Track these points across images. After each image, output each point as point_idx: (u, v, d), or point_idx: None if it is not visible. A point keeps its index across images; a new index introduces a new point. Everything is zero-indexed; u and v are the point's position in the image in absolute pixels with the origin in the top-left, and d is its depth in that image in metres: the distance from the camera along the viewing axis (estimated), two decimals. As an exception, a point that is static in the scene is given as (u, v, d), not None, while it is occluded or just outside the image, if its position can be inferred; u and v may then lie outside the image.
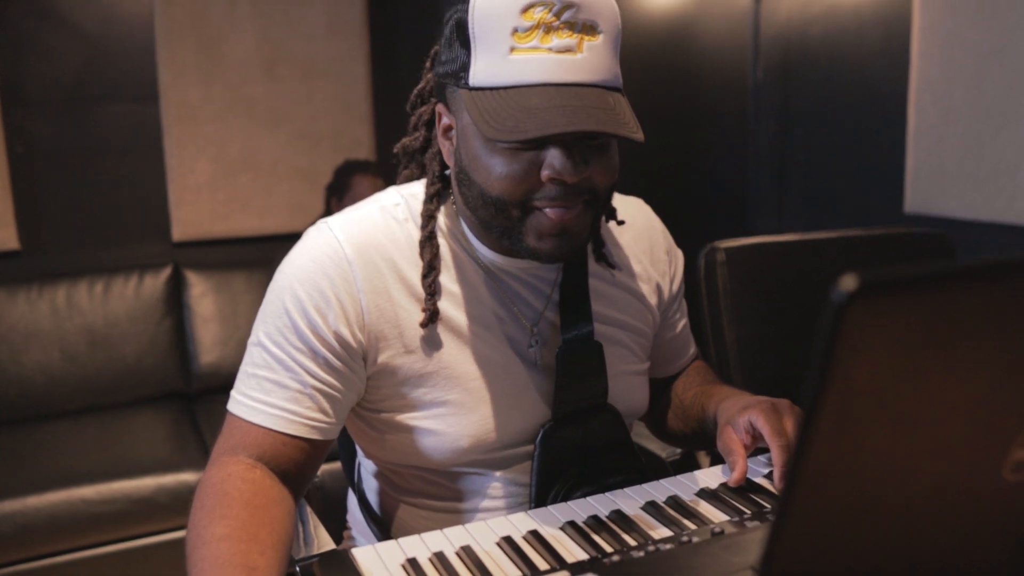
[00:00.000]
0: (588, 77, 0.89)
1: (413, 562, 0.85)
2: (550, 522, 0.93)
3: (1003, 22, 2.08)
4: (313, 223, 1.04)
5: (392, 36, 3.40)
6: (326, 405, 0.97)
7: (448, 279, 1.01)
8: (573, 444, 1.05)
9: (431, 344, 0.99)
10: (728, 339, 1.39)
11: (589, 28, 0.89)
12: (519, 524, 0.93)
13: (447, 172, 1.04)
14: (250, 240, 3.24)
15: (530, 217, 0.92)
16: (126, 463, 2.41)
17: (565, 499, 1.01)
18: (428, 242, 1.00)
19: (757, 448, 1.01)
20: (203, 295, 3.02)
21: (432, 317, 0.98)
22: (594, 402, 1.06)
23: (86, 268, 2.93)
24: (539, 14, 0.87)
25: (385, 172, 2.90)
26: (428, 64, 1.05)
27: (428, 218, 1.00)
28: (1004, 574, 0.50)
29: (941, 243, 1.56)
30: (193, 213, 3.14)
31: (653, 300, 1.15)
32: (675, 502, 0.95)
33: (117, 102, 3.02)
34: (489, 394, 1.01)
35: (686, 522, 0.91)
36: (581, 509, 0.96)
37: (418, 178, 1.09)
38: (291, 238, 1.05)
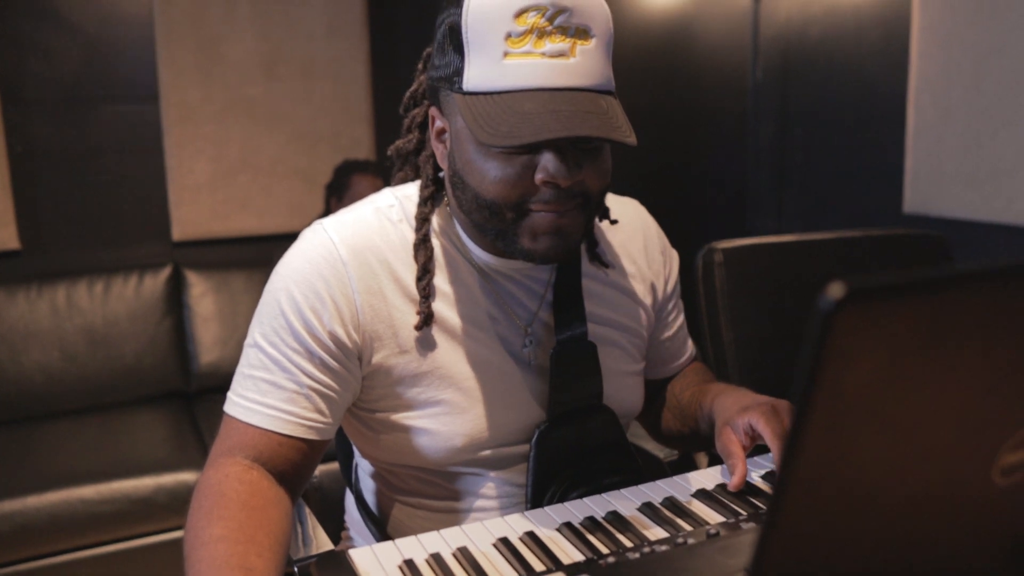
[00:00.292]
0: (581, 81, 0.89)
1: (410, 563, 0.86)
2: (546, 523, 0.93)
3: (1002, 22, 2.08)
4: (312, 223, 1.04)
5: (392, 36, 3.40)
6: (322, 405, 0.97)
7: (442, 280, 1.02)
8: (569, 445, 1.05)
9: (425, 344, 1.00)
10: (726, 340, 1.39)
11: (582, 32, 0.89)
12: (515, 525, 0.93)
13: (441, 174, 1.04)
14: (250, 240, 3.24)
15: (524, 219, 0.93)
16: (125, 463, 2.41)
17: (561, 500, 1.02)
18: (423, 245, 1.00)
19: (756, 446, 1.01)
20: (203, 295, 3.02)
21: (427, 320, 0.98)
22: (589, 403, 1.06)
23: (86, 268, 2.94)
24: (532, 19, 0.87)
25: (384, 172, 2.90)
26: (421, 66, 1.06)
27: (422, 221, 1.01)
28: (997, 577, 0.50)
29: (939, 244, 1.56)
30: (193, 213, 3.14)
31: (648, 300, 1.15)
32: (671, 503, 0.96)
33: (117, 102, 3.02)
34: (483, 394, 1.01)
35: (682, 523, 0.91)
36: (577, 510, 0.96)
37: (412, 180, 1.09)
38: (290, 238, 1.06)
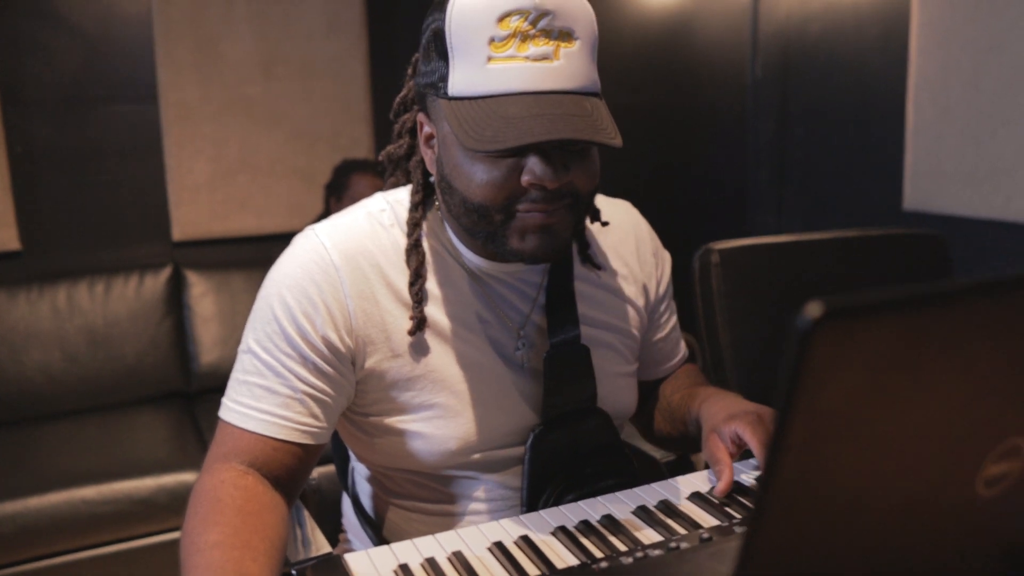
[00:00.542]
0: (565, 84, 0.89)
1: (405, 568, 0.86)
2: (541, 527, 0.93)
3: (1001, 19, 2.07)
4: (312, 222, 1.04)
5: (391, 35, 3.40)
6: (316, 410, 0.97)
7: (434, 283, 1.02)
8: (563, 448, 1.05)
9: (418, 348, 1.00)
10: (723, 341, 1.39)
11: (565, 35, 0.89)
12: (510, 529, 0.93)
13: (431, 179, 1.04)
14: (249, 240, 3.24)
15: (512, 220, 0.93)
16: (126, 463, 2.41)
17: (556, 503, 1.02)
18: (414, 249, 1.00)
19: (745, 452, 1.02)
20: (203, 295, 3.02)
21: (420, 325, 0.99)
22: (583, 406, 1.06)
23: (86, 268, 2.94)
24: (515, 23, 0.87)
25: (384, 172, 2.90)
26: (410, 72, 1.06)
27: (414, 226, 1.01)
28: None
29: (937, 244, 1.56)
30: (192, 213, 3.14)
31: (640, 301, 1.15)
32: (666, 506, 0.96)
33: (116, 102, 3.02)
34: (476, 397, 1.01)
35: (676, 527, 0.91)
36: (572, 514, 0.96)
37: (404, 185, 1.09)
38: (290, 237, 1.06)
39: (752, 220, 3.06)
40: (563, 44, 0.89)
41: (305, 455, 0.98)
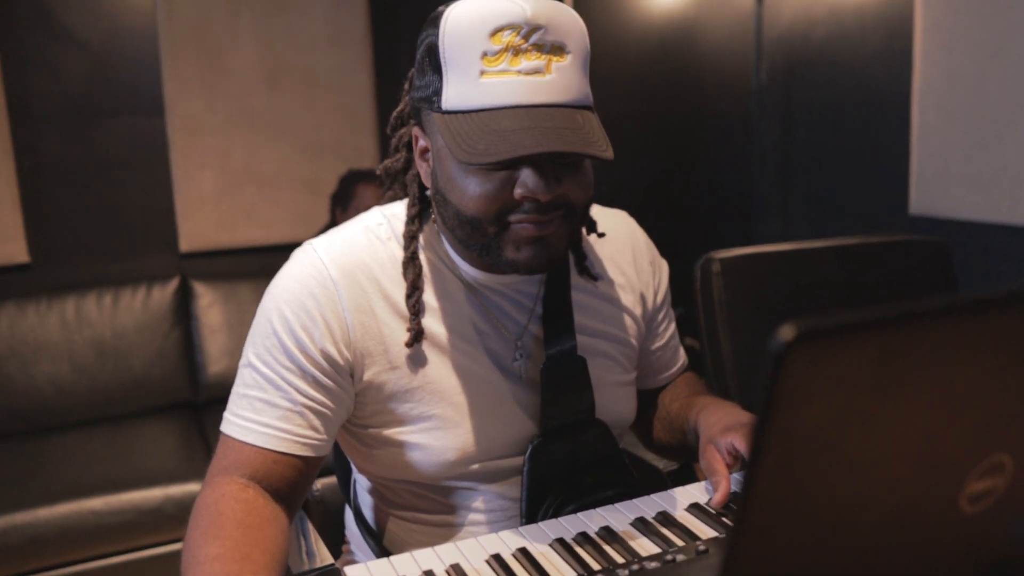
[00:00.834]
0: (557, 98, 0.90)
1: (402, 581, 0.86)
2: (539, 539, 0.93)
3: (1004, 22, 2.07)
4: (318, 231, 1.05)
5: (395, 45, 3.41)
6: (316, 422, 0.98)
7: (431, 296, 1.02)
8: (562, 459, 1.05)
9: (416, 360, 1.00)
10: (724, 350, 1.39)
11: (557, 49, 0.90)
12: (508, 541, 0.93)
13: (427, 193, 1.05)
14: (256, 250, 3.26)
15: (506, 232, 0.93)
16: (134, 474, 2.43)
17: (556, 514, 1.02)
18: (411, 262, 1.01)
19: (743, 463, 1.01)
20: (210, 306, 3.04)
21: (417, 337, 0.99)
22: (581, 416, 1.06)
23: (95, 280, 2.96)
24: (507, 37, 0.88)
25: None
26: (406, 87, 1.07)
27: (410, 239, 1.02)
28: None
29: (939, 250, 1.55)
30: (199, 224, 3.16)
31: (637, 311, 1.15)
32: (664, 517, 0.96)
33: (123, 115, 3.05)
34: (474, 408, 1.02)
35: (674, 538, 0.91)
36: (570, 525, 0.96)
37: (402, 198, 1.10)
38: (296, 247, 1.07)
39: (757, 225, 3.06)
40: (555, 58, 0.90)
41: (305, 467, 0.99)
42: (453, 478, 1.04)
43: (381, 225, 1.05)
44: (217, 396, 2.97)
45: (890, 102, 2.46)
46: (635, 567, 0.83)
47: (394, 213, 1.06)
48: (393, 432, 1.02)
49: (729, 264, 1.40)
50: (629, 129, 3.11)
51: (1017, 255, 2.13)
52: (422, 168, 1.01)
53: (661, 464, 1.34)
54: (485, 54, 0.88)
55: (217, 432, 1.02)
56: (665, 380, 1.26)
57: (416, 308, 0.99)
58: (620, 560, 0.87)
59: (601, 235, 1.14)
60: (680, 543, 0.89)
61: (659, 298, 1.19)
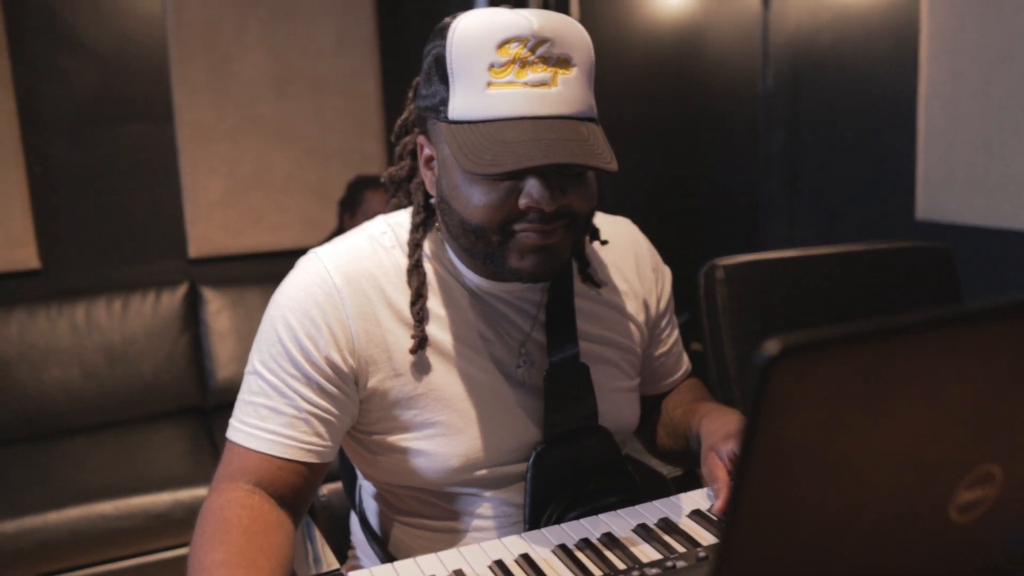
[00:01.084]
0: (562, 110, 0.91)
1: (405, 587, 0.87)
2: (542, 545, 0.94)
3: (1010, 27, 2.07)
4: (326, 237, 1.06)
5: (402, 52, 3.43)
6: (321, 429, 0.99)
7: (435, 303, 1.03)
8: (565, 465, 1.06)
9: (420, 367, 1.01)
10: (728, 357, 1.39)
11: (563, 62, 0.91)
12: (511, 547, 0.94)
13: (431, 201, 1.06)
14: (264, 256, 3.28)
15: (510, 240, 0.94)
16: (143, 478, 2.45)
17: (559, 520, 1.03)
18: (415, 270, 1.02)
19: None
20: (219, 311, 3.06)
21: (421, 344, 1.00)
22: (584, 423, 1.07)
23: (104, 286, 2.98)
24: (514, 50, 0.89)
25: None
26: (411, 95, 1.08)
27: (415, 247, 1.03)
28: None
29: (943, 256, 1.55)
30: (208, 230, 3.18)
31: (640, 317, 1.16)
32: (666, 524, 0.96)
33: (132, 123, 3.07)
34: (478, 414, 1.03)
35: (675, 545, 0.91)
36: (573, 532, 0.97)
37: (406, 206, 1.11)
38: (304, 253, 1.08)
39: (764, 231, 3.06)
40: (561, 71, 0.91)
41: (310, 474, 1.00)
42: (457, 484, 1.04)
43: (385, 233, 1.06)
44: (226, 401, 2.99)
45: (896, 107, 2.46)
46: (635, 573, 0.84)
47: (398, 221, 1.07)
48: (397, 439, 1.03)
49: (733, 271, 1.40)
50: (636, 134, 3.11)
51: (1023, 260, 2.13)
52: (427, 176, 1.02)
53: (665, 470, 1.35)
54: (492, 66, 0.89)
55: (224, 437, 1.03)
56: (668, 386, 1.26)
57: (420, 315, 1.00)
58: (622, 566, 0.87)
59: (604, 242, 1.14)
60: (681, 549, 0.90)
61: (662, 305, 1.20)
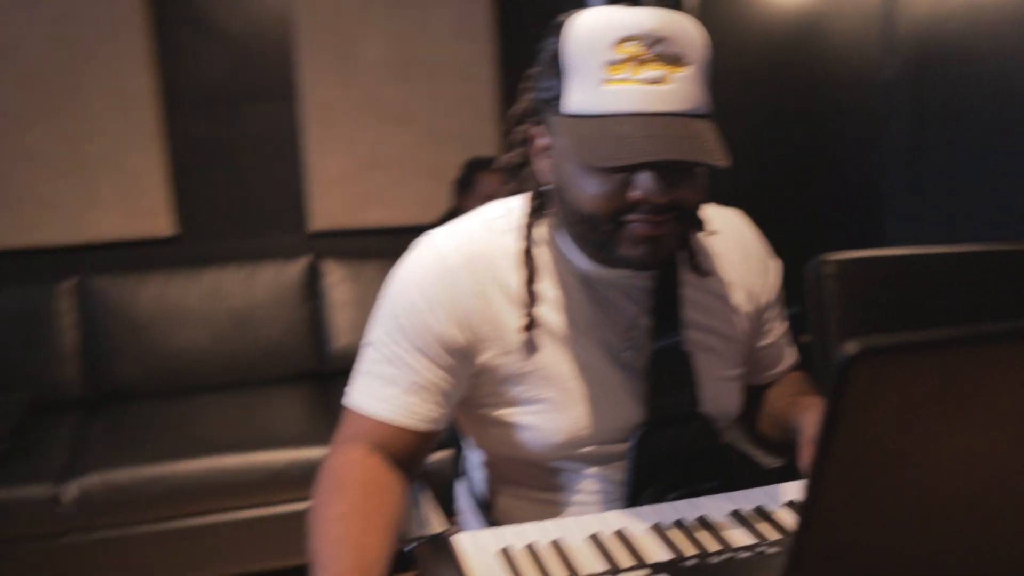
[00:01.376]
0: (676, 106, 0.94)
1: (507, 551, 0.93)
2: (638, 522, 0.98)
3: None
4: (440, 216, 1.13)
5: (520, 39, 3.48)
6: (435, 399, 1.06)
7: (546, 286, 1.08)
8: (666, 448, 1.10)
9: (529, 346, 1.07)
10: (833, 352, 1.38)
11: (678, 59, 0.94)
12: (609, 522, 0.99)
13: (545, 188, 1.10)
14: (382, 231, 3.42)
15: (621, 230, 0.98)
16: (264, 437, 2.61)
17: (657, 501, 1.07)
18: (528, 254, 1.07)
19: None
20: (338, 283, 3.21)
21: (531, 324, 1.05)
22: (686, 408, 1.10)
23: (234, 255, 3.19)
24: (631, 48, 0.92)
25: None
26: (526, 85, 1.12)
27: (528, 231, 1.08)
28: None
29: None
30: (329, 206, 3.34)
31: (746, 308, 1.18)
32: (760, 512, 0.99)
33: (261, 102, 3.26)
34: (584, 394, 1.07)
35: (768, 532, 0.94)
36: (669, 512, 1.00)
37: (520, 192, 1.16)
38: (420, 230, 1.16)
39: (887, 227, 2.96)
40: (676, 69, 0.94)
41: (423, 441, 1.07)
42: (561, 458, 1.10)
43: (500, 218, 1.11)
44: (342, 368, 3.12)
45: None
46: (726, 555, 0.87)
47: (513, 207, 1.13)
48: (505, 412, 1.09)
49: (844, 267, 1.39)
50: (752, 127, 3.06)
51: None
52: (541, 165, 1.07)
53: (766, 461, 1.36)
54: (609, 63, 0.93)
55: (339, 402, 1.12)
56: (771, 377, 1.27)
57: (532, 297, 1.06)
58: (713, 548, 0.91)
59: (713, 233, 1.17)
60: (773, 537, 0.92)
61: (769, 296, 1.21)
